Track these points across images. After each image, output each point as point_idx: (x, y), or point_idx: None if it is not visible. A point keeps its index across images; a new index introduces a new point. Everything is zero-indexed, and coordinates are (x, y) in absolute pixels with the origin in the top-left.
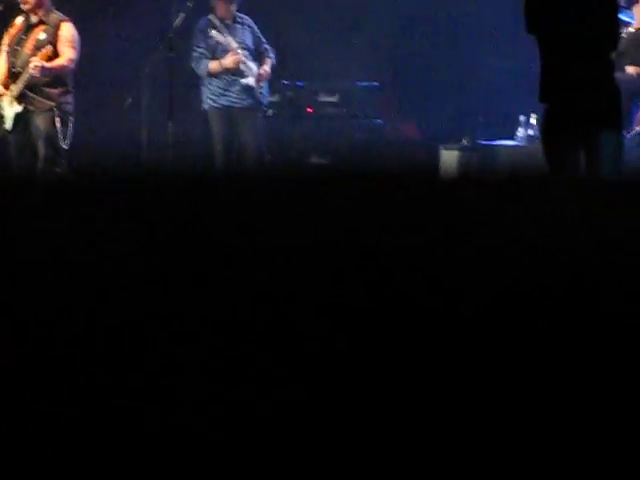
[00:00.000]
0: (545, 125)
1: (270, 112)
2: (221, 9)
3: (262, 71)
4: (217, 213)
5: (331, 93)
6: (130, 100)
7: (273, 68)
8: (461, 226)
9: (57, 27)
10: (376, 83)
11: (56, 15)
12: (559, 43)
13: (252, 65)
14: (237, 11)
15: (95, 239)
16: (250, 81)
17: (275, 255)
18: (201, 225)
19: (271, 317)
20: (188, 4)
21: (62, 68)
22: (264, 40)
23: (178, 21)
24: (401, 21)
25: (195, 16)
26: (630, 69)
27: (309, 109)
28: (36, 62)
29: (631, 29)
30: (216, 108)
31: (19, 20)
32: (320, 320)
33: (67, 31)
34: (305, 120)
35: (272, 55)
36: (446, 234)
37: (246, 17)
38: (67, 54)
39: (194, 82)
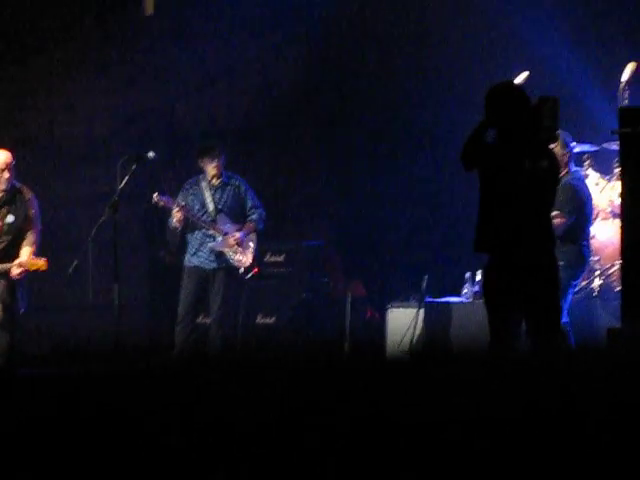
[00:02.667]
0: (484, 281)
1: (249, 275)
2: (206, 169)
3: (231, 238)
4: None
5: (277, 253)
6: (76, 262)
7: (253, 231)
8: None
9: (24, 206)
10: (321, 242)
11: (23, 194)
12: (495, 195)
13: (225, 227)
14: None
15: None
16: (216, 245)
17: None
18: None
19: None
20: (132, 167)
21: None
22: (252, 203)
23: (123, 184)
24: (345, 180)
25: (138, 179)
26: (555, 219)
27: (255, 269)
28: (17, 271)
29: None
30: (188, 266)
31: None
32: None
33: (33, 211)
34: (252, 280)
35: (255, 217)
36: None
37: (236, 177)
38: (32, 239)
39: (139, 244)
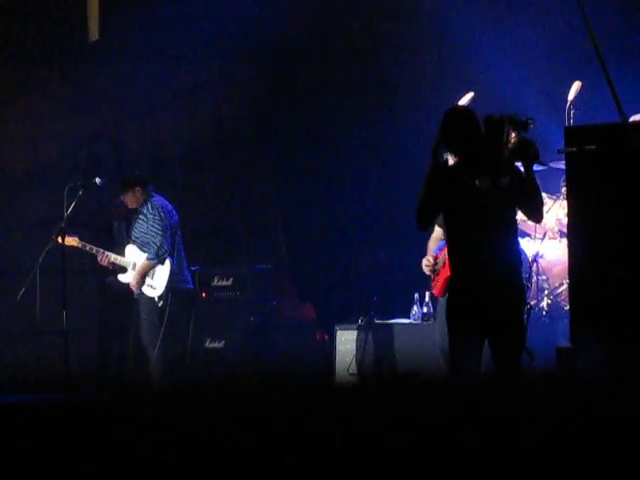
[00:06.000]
0: (448, 308)
1: (161, 303)
2: (126, 203)
3: (136, 274)
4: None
5: (225, 277)
6: (24, 289)
7: (145, 267)
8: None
9: None
10: (269, 266)
11: None
12: (457, 229)
13: (132, 258)
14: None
15: None
16: (124, 277)
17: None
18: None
19: None
20: (79, 193)
21: None
22: (152, 231)
23: (69, 211)
24: (294, 203)
25: (85, 206)
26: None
27: (204, 293)
28: None
29: None
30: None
31: None
32: None
33: None
34: (199, 304)
35: (149, 255)
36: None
37: (148, 206)
38: None
39: (87, 270)
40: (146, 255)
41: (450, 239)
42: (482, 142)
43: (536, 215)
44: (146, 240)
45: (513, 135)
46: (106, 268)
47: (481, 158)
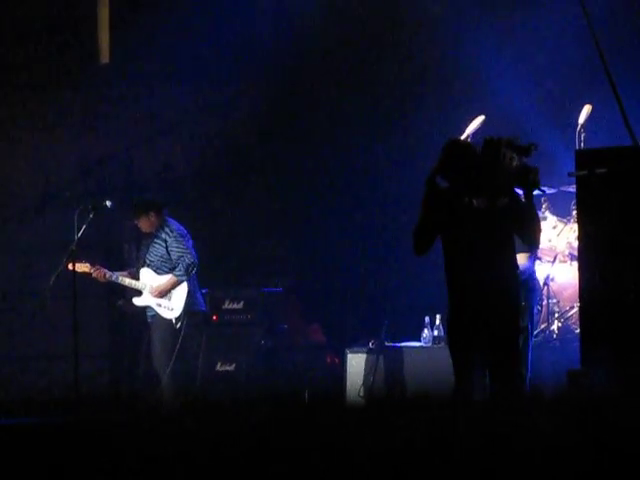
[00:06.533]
0: (448, 329)
1: (178, 325)
2: (140, 227)
3: (154, 290)
4: None
5: (236, 300)
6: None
7: (172, 283)
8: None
9: None
10: (280, 289)
11: None
12: (455, 249)
13: (148, 281)
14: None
15: None
16: (139, 300)
17: None
18: None
19: None
20: (90, 216)
21: None
22: (175, 254)
23: (80, 233)
24: (303, 226)
25: (94, 228)
26: (520, 258)
27: (214, 317)
28: None
29: None
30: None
31: None
32: None
33: None
34: (210, 327)
35: (177, 272)
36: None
37: (167, 230)
38: None
39: (98, 293)
40: (174, 272)
41: (447, 258)
42: (480, 163)
43: (533, 241)
44: (163, 262)
45: (513, 159)
46: (118, 291)
47: (478, 179)
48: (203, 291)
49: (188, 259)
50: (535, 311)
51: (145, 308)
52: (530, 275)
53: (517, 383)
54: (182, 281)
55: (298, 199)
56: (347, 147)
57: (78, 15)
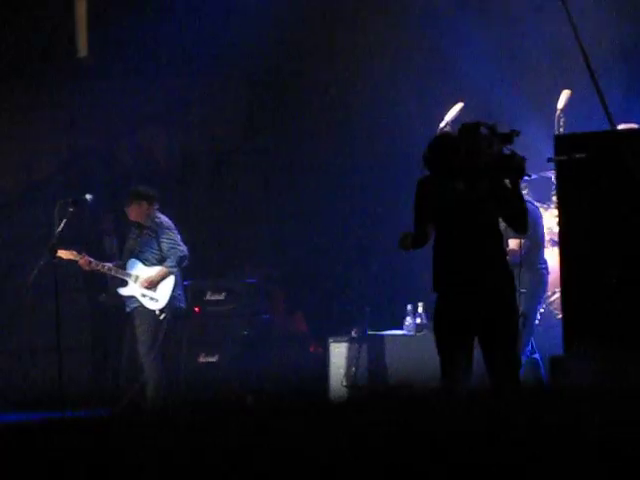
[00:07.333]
0: (434, 316)
1: (162, 316)
2: (128, 214)
3: (144, 281)
4: None
5: (218, 291)
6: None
7: (162, 274)
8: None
9: None
10: (262, 279)
11: None
12: (441, 234)
13: (136, 272)
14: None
15: None
16: (124, 290)
17: None
18: None
19: None
20: (70, 210)
21: None
22: (166, 246)
23: (61, 227)
24: (285, 215)
25: (75, 222)
26: (512, 243)
27: (196, 308)
28: None
29: None
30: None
31: None
32: None
33: None
34: (193, 318)
35: (169, 263)
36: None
37: (157, 222)
38: None
39: (80, 287)
40: (165, 263)
41: (434, 244)
42: (458, 148)
43: (519, 228)
44: (152, 254)
45: (493, 143)
46: (99, 285)
47: (458, 163)
48: (185, 283)
49: (180, 251)
50: (540, 300)
51: (126, 300)
52: (536, 264)
53: (510, 369)
54: (173, 273)
55: (280, 189)
56: (328, 137)
57: (57, 9)
